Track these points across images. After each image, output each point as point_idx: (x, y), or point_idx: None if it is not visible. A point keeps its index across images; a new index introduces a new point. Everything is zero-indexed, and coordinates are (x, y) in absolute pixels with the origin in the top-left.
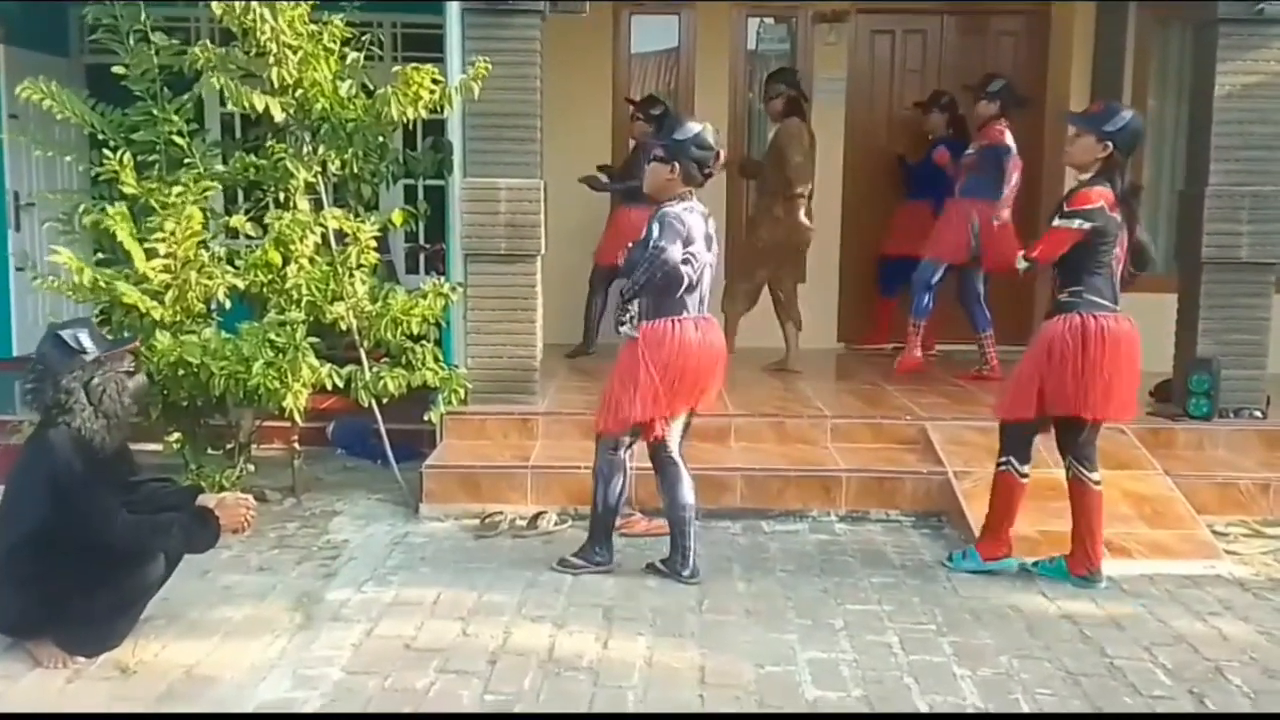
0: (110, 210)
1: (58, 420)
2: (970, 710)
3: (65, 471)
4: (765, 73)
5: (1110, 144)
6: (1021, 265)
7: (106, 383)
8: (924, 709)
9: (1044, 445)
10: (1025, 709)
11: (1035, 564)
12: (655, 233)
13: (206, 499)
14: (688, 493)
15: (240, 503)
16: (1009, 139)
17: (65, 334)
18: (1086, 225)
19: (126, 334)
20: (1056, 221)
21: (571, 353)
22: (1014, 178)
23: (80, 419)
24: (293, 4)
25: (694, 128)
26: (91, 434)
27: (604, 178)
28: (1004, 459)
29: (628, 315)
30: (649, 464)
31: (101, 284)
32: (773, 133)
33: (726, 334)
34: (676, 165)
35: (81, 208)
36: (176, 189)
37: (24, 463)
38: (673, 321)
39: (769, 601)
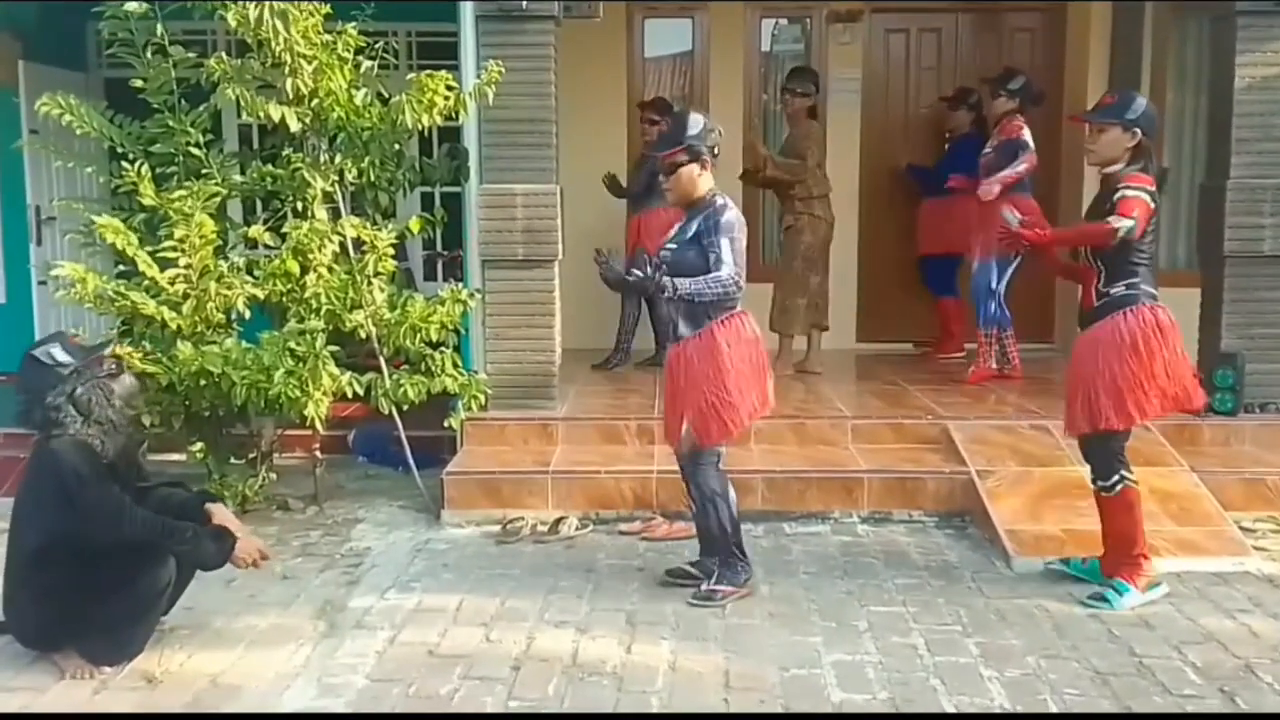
0: (99, 220)
1: (54, 434)
2: (998, 711)
3: (71, 475)
4: (780, 74)
5: (1138, 130)
6: (1124, 225)
7: (90, 391)
8: (951, 710)
9: (1068, 443)
10: (1053, 709)
11: (1067, 563)
12: (725, 254)
13: (223, 513)
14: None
15: (261, 549)
16: (1027, 134)
17: (38, 352)
18: (1152, 204)
19: (145, 345)
20: (1129, 192)
21: (602, 363)
22: (1022, 167)
23: (75, 430)
24: (306, 12)
25: (699, 117)
26: (89, 441)
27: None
28: (1116, 475)
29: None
30: (671, 467)
31: (112, 294)
32: (787, 132)
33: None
34: (704, 158)
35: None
36: (179, 193)
37: (31, 476)
38: (739, 317)
39: (792, 604)
